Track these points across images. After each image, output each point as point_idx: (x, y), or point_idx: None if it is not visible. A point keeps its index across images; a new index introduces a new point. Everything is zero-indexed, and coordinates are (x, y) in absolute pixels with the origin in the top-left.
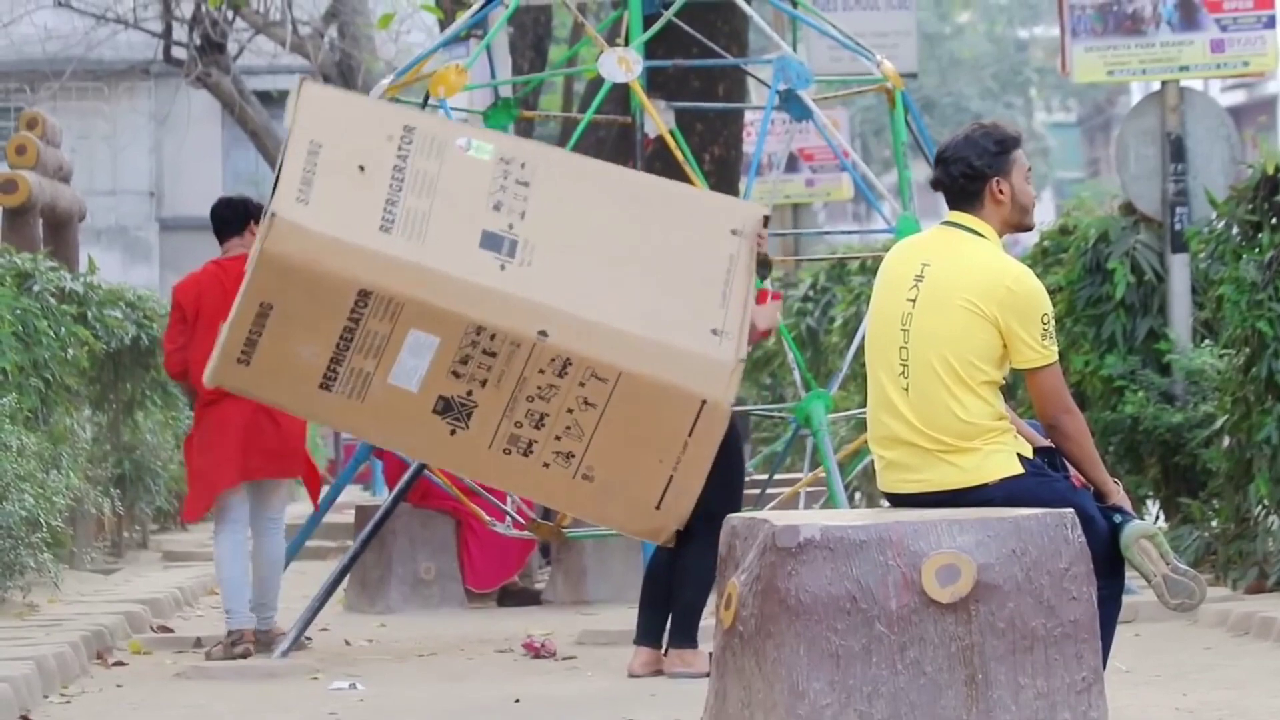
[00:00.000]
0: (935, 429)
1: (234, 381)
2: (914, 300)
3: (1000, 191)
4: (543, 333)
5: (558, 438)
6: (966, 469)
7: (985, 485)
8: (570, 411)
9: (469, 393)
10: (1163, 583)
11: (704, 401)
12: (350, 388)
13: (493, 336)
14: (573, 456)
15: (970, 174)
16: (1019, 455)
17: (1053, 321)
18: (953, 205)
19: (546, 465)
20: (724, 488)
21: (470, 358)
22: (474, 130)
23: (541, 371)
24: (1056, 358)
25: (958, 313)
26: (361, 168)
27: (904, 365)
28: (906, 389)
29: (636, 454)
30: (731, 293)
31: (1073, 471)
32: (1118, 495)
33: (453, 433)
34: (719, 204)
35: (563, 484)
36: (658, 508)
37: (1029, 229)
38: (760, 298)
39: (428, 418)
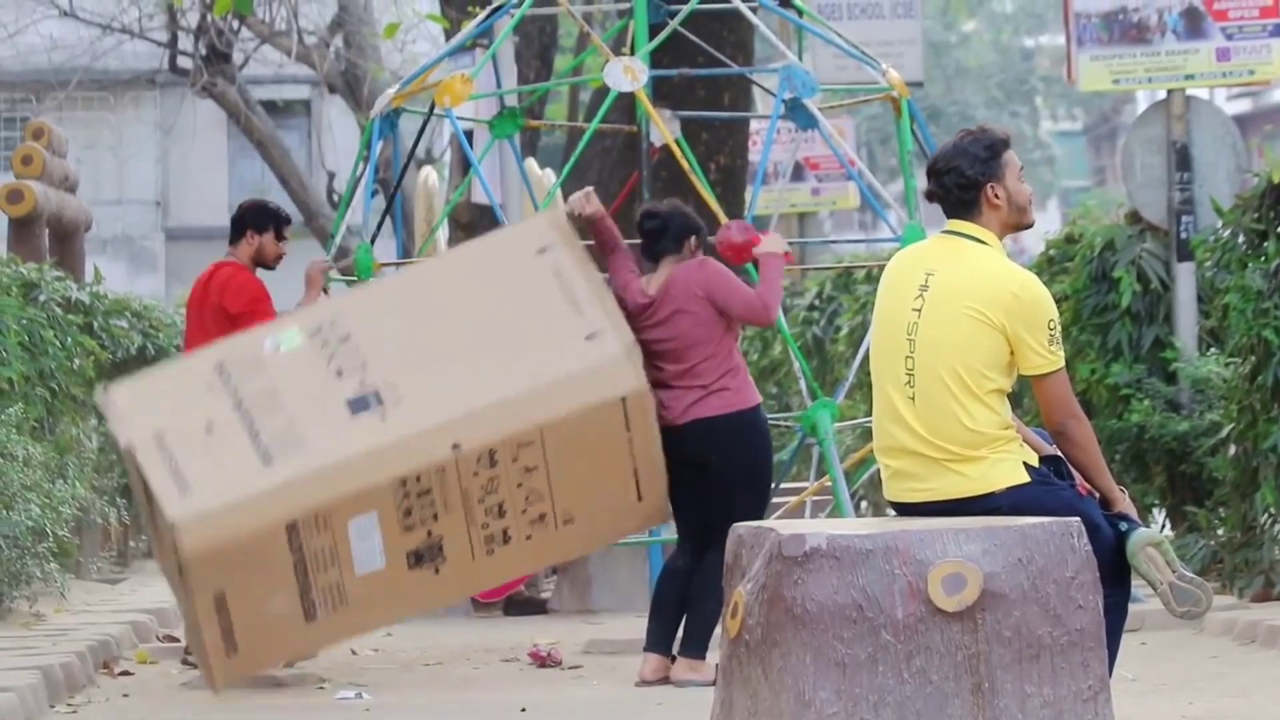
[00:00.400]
0: (942, 438)
1: (234, 673)
2: (919, 310)
3: (996, 196)
4: (455, 445)
5: (523, 511)
6: (973, 478)
7: (992, 494)
8: (520, 485)
9: (429, 533)
10: (1169, 590)
11: (623, 399)
12: (330, 602)
13: (418, 479)
14: (546, 516)
15: (964, 183)
16: (1025, 464)
17: (1059, 327)
18: (950, 214)
19: (529, 537)
20: (750, 496)
21: (411, 508)
22: (269, 328)
23: (475, 474)
24: (1063, 364)
25: (964, 321)
26: (208, 427)
27: (910, 374)
28: (913, 398)
29: (596, 477)
30: (579, 297)
31: (1079, 479)
32: (1123, 503)
33: (437, 571)
34: (513, 236)
35: (553, 541)
36: (640, 499)
37: (1029, 226)
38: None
39: (407, 575)
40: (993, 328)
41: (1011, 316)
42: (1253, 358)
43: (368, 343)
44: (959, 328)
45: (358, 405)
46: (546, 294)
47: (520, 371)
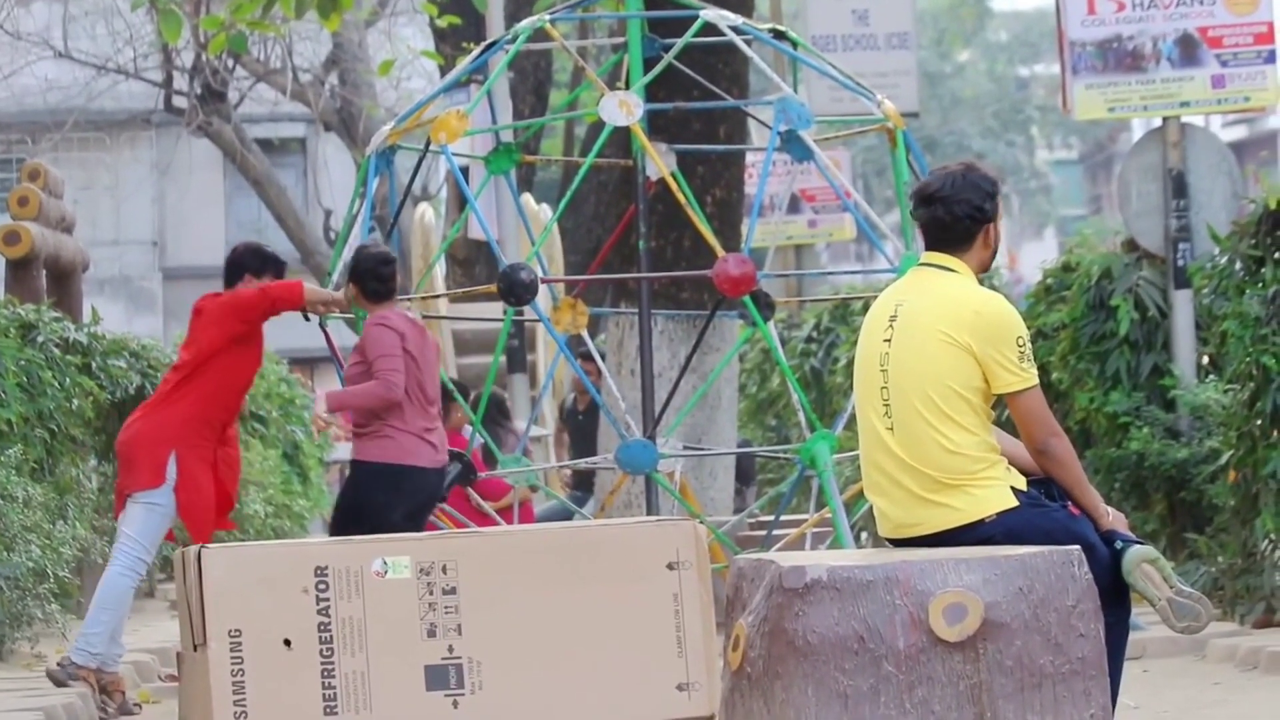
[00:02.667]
0: (923, 463)
1: None
2: (889, 340)
3: (991, 235)
4: None
5: None
6: (961, 508)
7: (982, 521)
8: None
9: None
10: (1168, 606)
11: None
12: None
13: None
14: None
15: (976, 216)
16: (1013, 488)
17: (1029, 345)
18: (937, 244)
19: None
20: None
21: None
22: (385, 544)
23: None
24: (1037, 381)
25: (931, 345)
26: (287, 642)
27: (886, 405)
28: (891, 428)
29: None
30: (687, 637)
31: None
32: (1109, 519)
33: None
34: (649, 537)
35: None
36: None
37: (988, 269)
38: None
39: None
40: (960, 348)
41: (976, 334)
42: (1251, 384)
43: (471, 605)
44: (926, 352)
45: (435, 679)
46: (659, 620)
47: (601, 704)
